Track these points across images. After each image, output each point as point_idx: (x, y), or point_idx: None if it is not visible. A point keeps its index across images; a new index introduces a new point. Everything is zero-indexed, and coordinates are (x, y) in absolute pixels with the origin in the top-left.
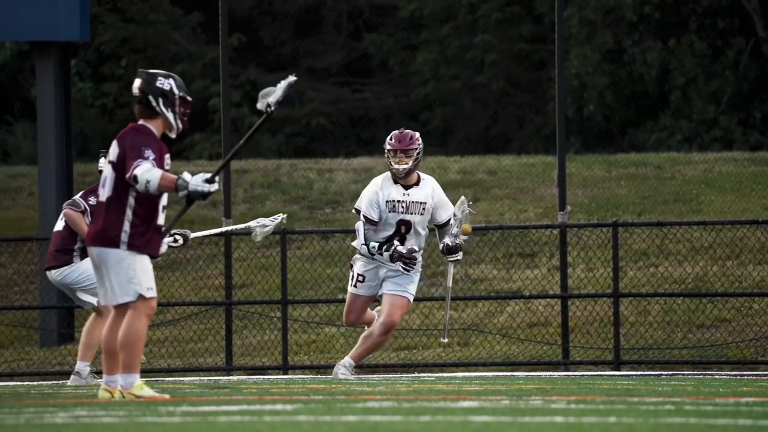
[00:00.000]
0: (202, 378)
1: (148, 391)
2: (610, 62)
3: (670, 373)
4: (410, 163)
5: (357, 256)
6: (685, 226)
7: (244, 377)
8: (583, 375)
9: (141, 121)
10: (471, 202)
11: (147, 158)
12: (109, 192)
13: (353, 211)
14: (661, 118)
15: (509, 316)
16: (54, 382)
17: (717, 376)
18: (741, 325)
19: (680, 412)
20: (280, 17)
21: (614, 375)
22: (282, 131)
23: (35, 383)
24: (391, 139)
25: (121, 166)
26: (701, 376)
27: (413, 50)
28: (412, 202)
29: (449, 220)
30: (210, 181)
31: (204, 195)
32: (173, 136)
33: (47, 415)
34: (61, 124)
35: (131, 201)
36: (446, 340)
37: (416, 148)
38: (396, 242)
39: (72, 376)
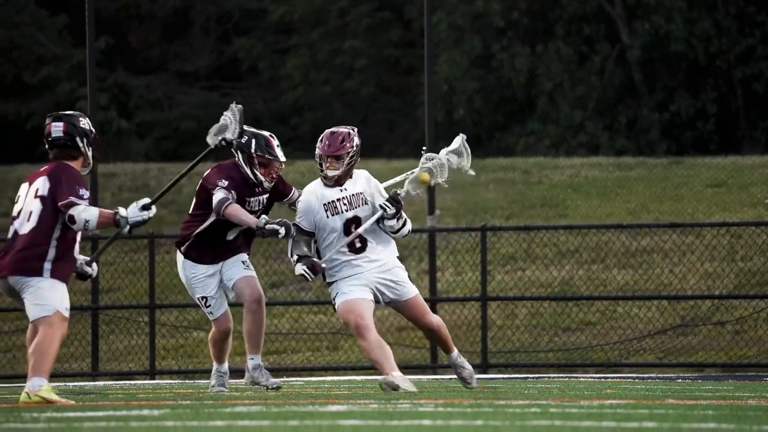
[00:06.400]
0: (67, 384)
1: (55, 396)
2: (478, 67)
3: (537, 376)
4: (341, 168)
5: (330, 288)
6: (551, 231)
7: (110, 382)
8: (450, 378)
9: (62, 161)
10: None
11: (82, 197)
12: (34, 224)
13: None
14: (528, 123)
15: (378, 319)
16: None
17: (582, 379)
18: (605, 328)
19: (546, 415)
20: (147, 20)
21: (481, 378)
22: (150, 135)
23: None
24: (321, 142)
25: (51, 202)
26: (566, 379)
27: (283, 54)
28: (353, 195)
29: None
30: (147, 207)
31: (144, 222)
32: (86, 172)
33: None
34: None
35: (57, 233)
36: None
37: (349, 152)
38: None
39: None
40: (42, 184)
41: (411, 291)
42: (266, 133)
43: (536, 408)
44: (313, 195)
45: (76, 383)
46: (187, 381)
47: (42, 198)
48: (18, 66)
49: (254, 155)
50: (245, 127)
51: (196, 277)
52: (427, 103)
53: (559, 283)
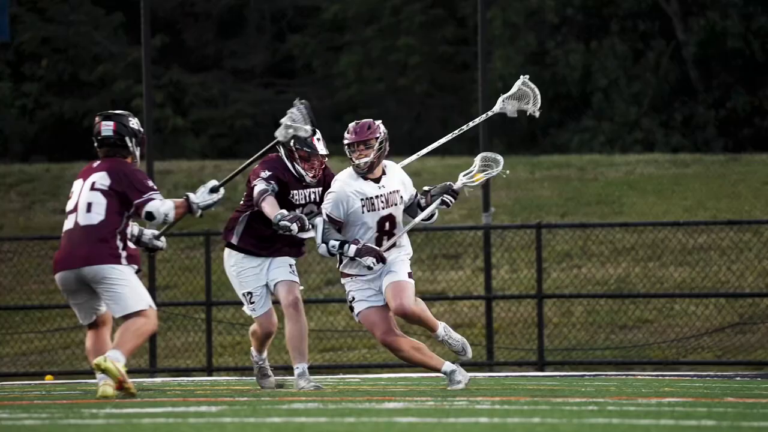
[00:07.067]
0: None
1: (126, 376)
2: (533, 64)
3: (594, 373)
4: (372, 155)
5: (343, 279)
6: (607, 228)
7: (168, 379)
8: (507, 376)
9: (116, 158)
10: (505, 173)
11: (155, 190)
12: (101, 216)
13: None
14: (583, 119)
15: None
16: None
17: (639, 377)
18: (662, 325)
19: (603, 413)
20: (202, 18)
21: (538, 376)
22: (206, 132)
23: None
24: (348, 132)
25: (116, 195)
26: (624, 377)
27: (337, 52)
28: (390, 192)
29: (413, 197)
30: (216, 189)
31: (214, 204)
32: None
33: None
34: None
35: (122, 222)
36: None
37: (378, 137)
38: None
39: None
40: (100, 178)
41: (394, 277)
42: (307, 127)
43: (594, 406)
44: (350, 187)
45: (134, 380)
46: (244, 378)
47: (103, 191)
48: (74, 64)
49: (294, 149)
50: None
51: (244, 271)
52: (482, 99)
53: (615, 281)
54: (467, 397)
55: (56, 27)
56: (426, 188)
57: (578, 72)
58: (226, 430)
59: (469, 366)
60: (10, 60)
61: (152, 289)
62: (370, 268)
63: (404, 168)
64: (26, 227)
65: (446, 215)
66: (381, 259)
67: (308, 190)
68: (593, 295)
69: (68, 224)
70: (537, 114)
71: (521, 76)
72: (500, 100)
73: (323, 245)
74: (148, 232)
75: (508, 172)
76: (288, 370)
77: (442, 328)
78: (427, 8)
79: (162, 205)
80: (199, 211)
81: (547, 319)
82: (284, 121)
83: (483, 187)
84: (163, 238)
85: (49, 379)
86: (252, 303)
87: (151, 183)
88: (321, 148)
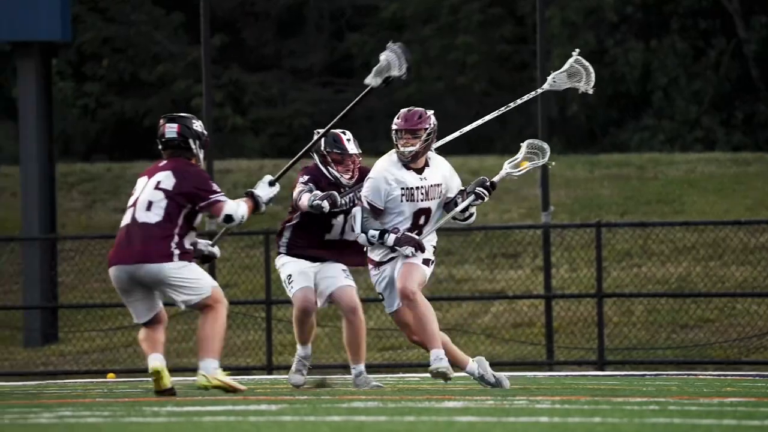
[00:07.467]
0: (186, 378)
1: (231, 380)
2: (592, 62)
3: (655, 373)
4: (418, 145)
5: (372, 271)
6: (668, 227)
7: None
8: (567, 375)
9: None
10: (552, 163)
11: (220, 192)
12: (159, 216)
13: (363, 200)
14: (643, 118)
15: (493, 316)
16: (38, 382)
17: (701, 377)
18: (724, 325)
19: (665, 413)
20: (262, 17)
21: (598, 375)
22: (265, 132)
23: (19, 383)
24: (398, 118)
25: (178, 197)
26: (685, 376)
27: None
28: (431, 186)
29: (457, 194)
30: (273, 183)
31: (274, 199)
32: None
33: (32, 415)
34: (43, 124)
35: (180, 222)
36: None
37: (426, 128)
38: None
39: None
40: (164, 178)
41: (409, 260)
42: (337, 131)
43: (655, 405)
44: (390, 175)
45: (194, 378)
46: None
47: (166, 191)
48: (135, 64)
49: (326, 153)
50: (318, 130)
51: (288, 262)
52: (540, 98)
53: (676, 280)
54: (527, 396)
55: (117, 27)
56: (463, 188)
57: (638, 70)
58: (285, 429)
59: (529, 365)
60: (72, 60)
61: None
62: (407, 257)
63: (446, 144)
64: (88, 226)
65: (505, 214)
66: (420, 248)
67: (347, 196)
68: (654, 294)
69: (126, 219)
70: (590, 91)
71: (573, 53)
72: (551, 77)
73: (362, 235)
74: (203, 241)
75: (553, 163)
76: (346, 368)
77: (442, 355)
78: (486, 7)
79: (238, 207)
80: (263, 206)
81: (608, 318)
82: (380, 63)
83: (542, 185)
84: (217, 246)
85: (111, 377)
86: (291, 283)
87: (216, 186)
88: (352, 147)
